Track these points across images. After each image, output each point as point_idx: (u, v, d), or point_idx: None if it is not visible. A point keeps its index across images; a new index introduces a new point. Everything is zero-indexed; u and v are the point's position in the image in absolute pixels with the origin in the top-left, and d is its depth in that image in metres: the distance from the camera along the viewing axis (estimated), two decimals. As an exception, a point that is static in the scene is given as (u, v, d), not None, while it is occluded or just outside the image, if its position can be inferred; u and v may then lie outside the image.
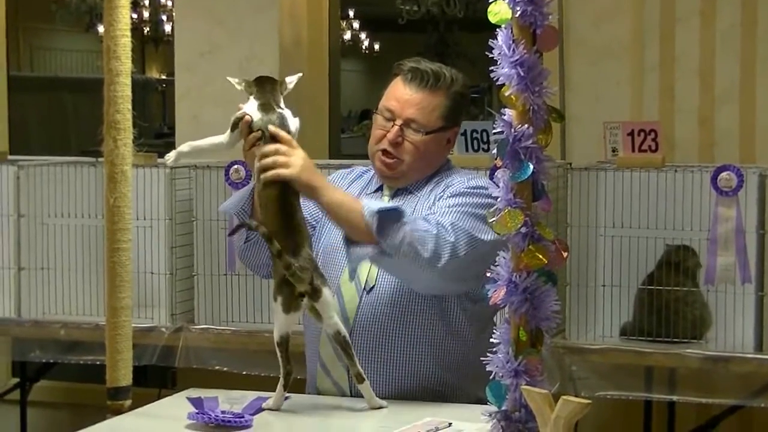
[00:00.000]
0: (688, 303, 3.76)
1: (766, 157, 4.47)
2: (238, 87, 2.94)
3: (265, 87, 2.93)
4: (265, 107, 2.91)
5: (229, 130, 2.92)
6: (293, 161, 2.84)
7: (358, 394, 2.91)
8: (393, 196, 3.17)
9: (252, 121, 2.89)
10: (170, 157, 2.98)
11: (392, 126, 3.10)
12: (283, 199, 2.84)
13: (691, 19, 4.65)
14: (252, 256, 3.15)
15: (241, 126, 2.90)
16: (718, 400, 3.80)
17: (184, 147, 2.97)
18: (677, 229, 3.78)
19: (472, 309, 3.04)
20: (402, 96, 3.11)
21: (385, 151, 3.12)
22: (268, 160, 2.85)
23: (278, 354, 2.84)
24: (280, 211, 2.83)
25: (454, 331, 3.06)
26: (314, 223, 3.20)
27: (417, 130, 3.10)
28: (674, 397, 3.82)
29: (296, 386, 2.91)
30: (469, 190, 3.04)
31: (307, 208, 3.13)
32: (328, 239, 3.17)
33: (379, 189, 3.20)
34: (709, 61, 4.61)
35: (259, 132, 2.88)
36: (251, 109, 2.91)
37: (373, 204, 2.89)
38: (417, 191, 3.16)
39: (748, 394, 3.73)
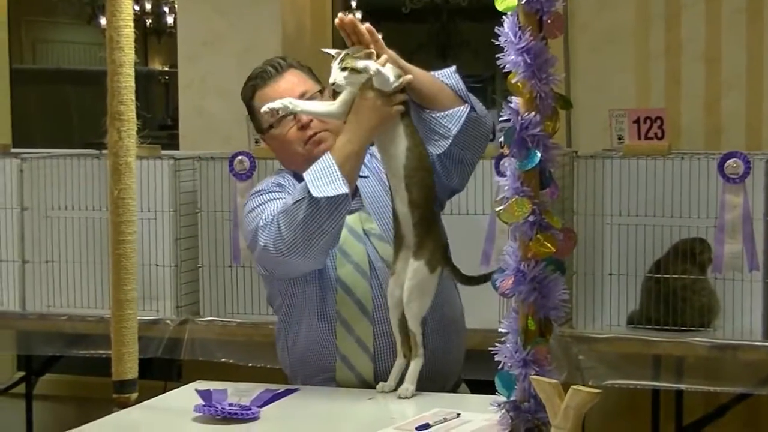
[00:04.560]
0: (696, 291, 3.74)
1: (773, 144, 4.46)
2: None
3: None
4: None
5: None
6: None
7: None
8: None
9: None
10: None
11: (290, 118, 3.06)
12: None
13: (696, 5, 4.62)
14: None
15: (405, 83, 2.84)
16: (726, 388, 3.78)
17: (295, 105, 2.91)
18: (684, 216, 3.76)
19: None
20: (275, 95, 3.01)
21: (308, 139, 3.06)
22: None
23: (419, 334, 2.84)
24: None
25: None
26: None
27: (311, 99, 3.06)
28: (682, 386, 3.81)
29: (274, 378, 2.87)
30: None
31: None
32: None
33: None
34: (715, 46, 4.59)
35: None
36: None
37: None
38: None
39: (756, 381, 3.72)
